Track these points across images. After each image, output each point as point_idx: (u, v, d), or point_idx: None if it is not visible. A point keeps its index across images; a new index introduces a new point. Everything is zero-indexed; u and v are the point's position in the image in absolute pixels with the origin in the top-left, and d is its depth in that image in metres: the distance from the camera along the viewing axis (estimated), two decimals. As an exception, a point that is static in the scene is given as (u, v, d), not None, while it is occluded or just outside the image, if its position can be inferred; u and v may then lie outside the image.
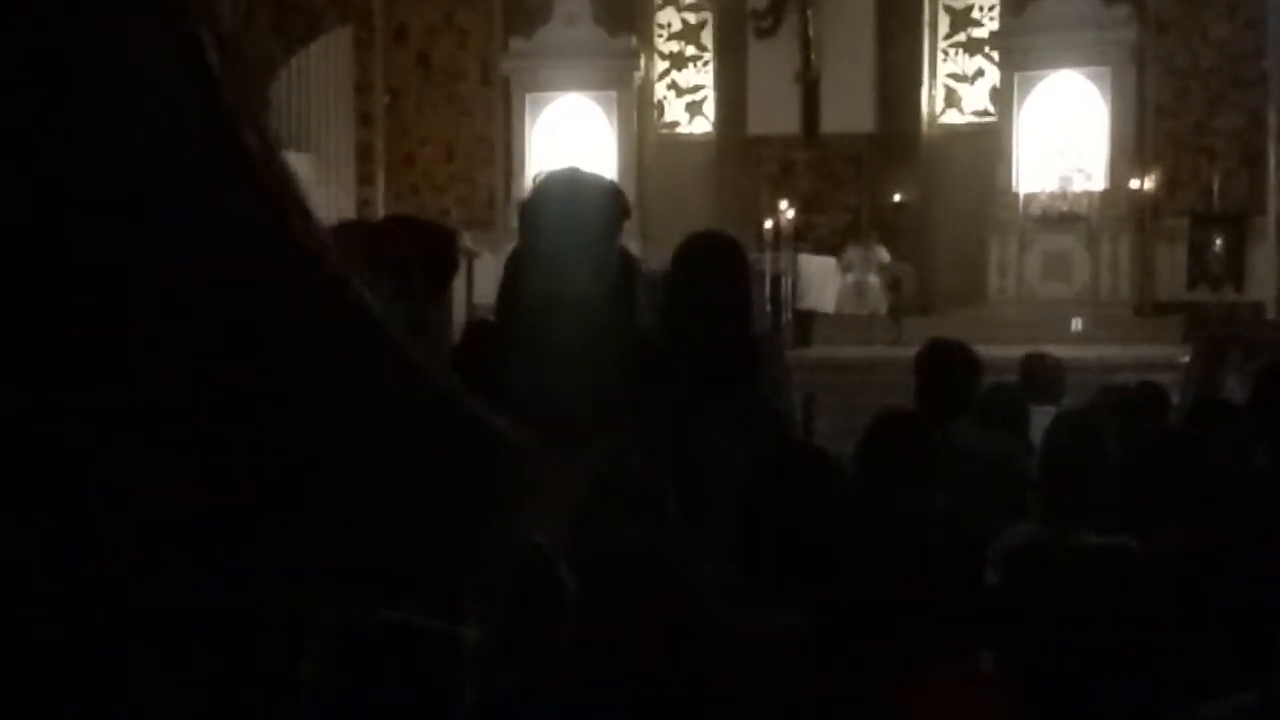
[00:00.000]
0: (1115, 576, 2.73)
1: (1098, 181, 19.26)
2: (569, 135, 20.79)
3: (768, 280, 15.24)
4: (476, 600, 0.59)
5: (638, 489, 2.98)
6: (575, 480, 2.89)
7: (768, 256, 15.93)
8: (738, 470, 3.26)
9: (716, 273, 3.77)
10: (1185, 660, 2.86)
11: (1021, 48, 19.43)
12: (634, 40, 20.88)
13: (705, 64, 21.39)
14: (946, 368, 5.23)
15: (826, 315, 18.25)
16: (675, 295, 3.77)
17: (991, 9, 20.35)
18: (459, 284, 15.24)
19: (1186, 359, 11.88)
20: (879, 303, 18.70)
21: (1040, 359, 7.46)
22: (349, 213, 18.86)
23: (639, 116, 21.08)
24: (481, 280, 16.20)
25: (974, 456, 4.76)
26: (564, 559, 0.79)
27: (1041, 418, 6.38)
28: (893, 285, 18.56)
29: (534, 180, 3.64)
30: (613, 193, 3.47)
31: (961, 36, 20.67)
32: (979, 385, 5.51)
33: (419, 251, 3.08)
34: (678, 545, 2.70)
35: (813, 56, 20.01)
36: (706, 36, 21.36)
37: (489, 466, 0.61)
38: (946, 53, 20.75)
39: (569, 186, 3.45)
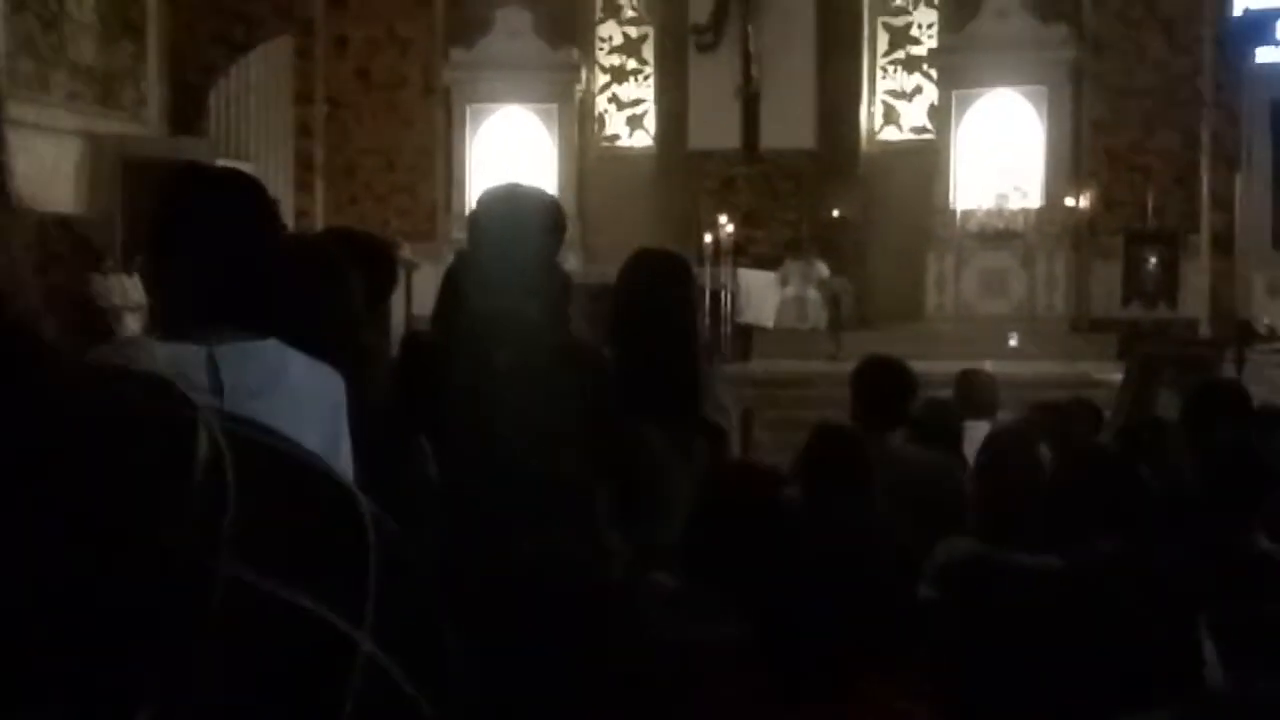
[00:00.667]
0: (1041, 593, 2.77)
1: (1034, 199, 19.45)
2: (510, 147, 20.78)
3: (708, 294, 15.29)
4: None
5: (573, 500, 2.99)
6: (512, 490, 2.90)
7: (708, 271, 15.97)
8: (676, 485, 3.28)
9: (664, 293, 3.79)
10: (1108, 676, 2.91)
11: (960, 66, 19.60)
12: (575, 53, 20.91)
13: (646, 78, 21.45)
14: (882, 383, 5.28)
15: (766, 330, 18.32)
16: (621, 311, 3.79)
17: (930, 27, 20.53)
18: (398, 296, 15.19)
19: (1120, 375, 12.02)
20: (818, 318, 18.79)
21: (975, 375, 7.53)
22: (289, 222, 18.78)
23: (580, 129, 21.10)
24: (421, 291, 16.16)
25: (909, 470, 4.80)
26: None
27: (976, 432, 6.44)
28: (832, 300, 18.65)
29: (478, 196, 3.66)
30: (551, 208, 3.49)
31: (900, 54, 20.83)
32: (914, 400, 5.55)
33: (357, 264, 3.08)
34: (611, 555, 2.72)
35: (753, 71, 20.10)
36: (648, 50, 21.41)
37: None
38: (885, 70, 20.91)
39: (508, 202, 3.47)
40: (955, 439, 5.91)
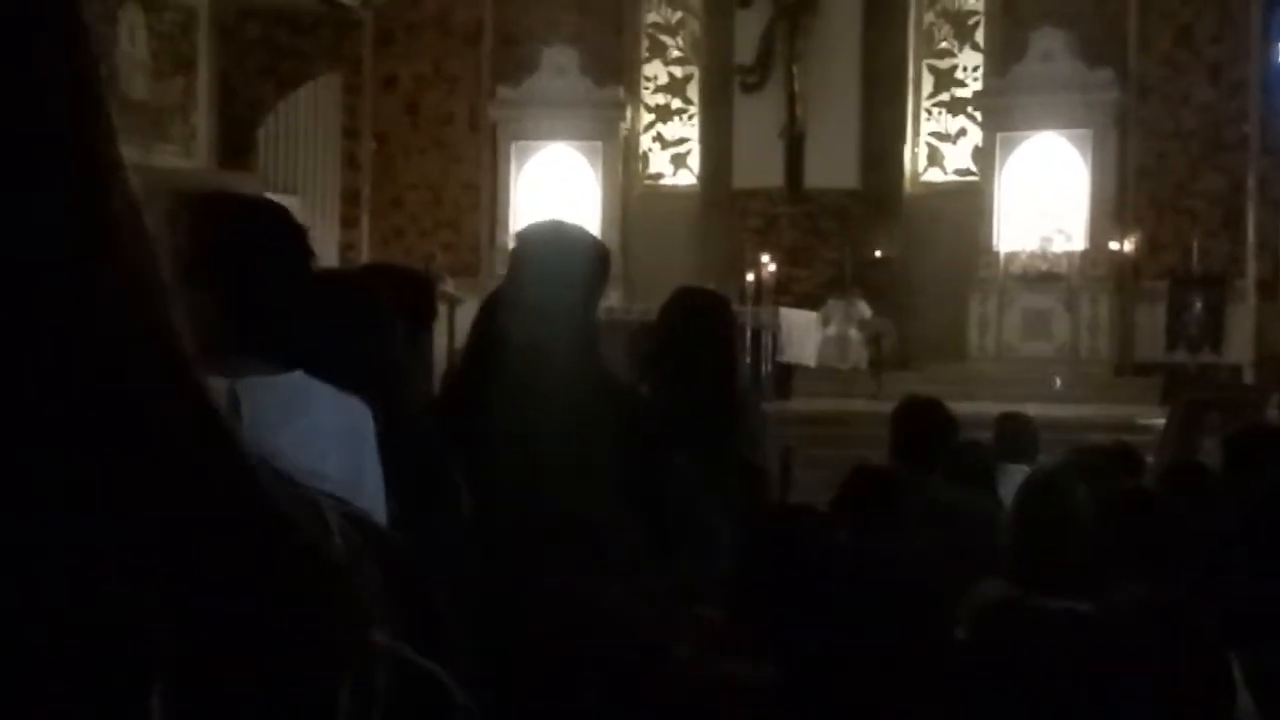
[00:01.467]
0: (1074, 639, 2.76)
1: (1078, 242, 19.38)
2: (554, 184, 20.88)
3: (749, 333, 15.30)
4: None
5: (607, 539, 3.00)
6: (548, 525, 2.91)
7: (750, 309, 15.98)
8: (712, 523, 3.28)
9: (704, 331, 3.80)
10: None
11: (1004, 108, 19.58)
12: (621, 92, 21.01)
13: (691, 117, 21.52)
14: (921, 424, 5.27)
15: (807, 368, 18.30)
16: (661, 349, 3.81)
17: (975, 70, 20.53)
18: (439, 330, 15.26)
19: (1163, 420, 11.94)
20: (860, 357, 18.76)
21: (1015, 417, 7.51)
22: (333, 255, 18.91)
23: (624, 167, 21.18)
24: (463, 326, 16.23)
25: (948, 511, 4.79)
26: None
27: (1016, 475, 6.42)
28: (873, 340, 18.62)
29: (519, 232, 3.68)
30: (595, 247, 3.51)
31: (945, 96, 20.83)
32: (953, 441, 5.54)
33: (394, 297, 3.11)
34: (645, 596, 2.73)
35: (798, 112, 20.14)
36: (693, 90, 21.49)
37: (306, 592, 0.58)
38: (930, 112, 20.91)
39: (552, 236, 3.49)
40: (990, 481, 5.89)
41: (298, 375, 2.50)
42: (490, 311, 3.47)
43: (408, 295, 3.32)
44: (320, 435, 2.41)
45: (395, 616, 0.60)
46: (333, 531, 0.61)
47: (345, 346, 2.75)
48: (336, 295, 2.95)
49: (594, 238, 3.76)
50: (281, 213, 2.75)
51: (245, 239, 2.53)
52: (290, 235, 2.66)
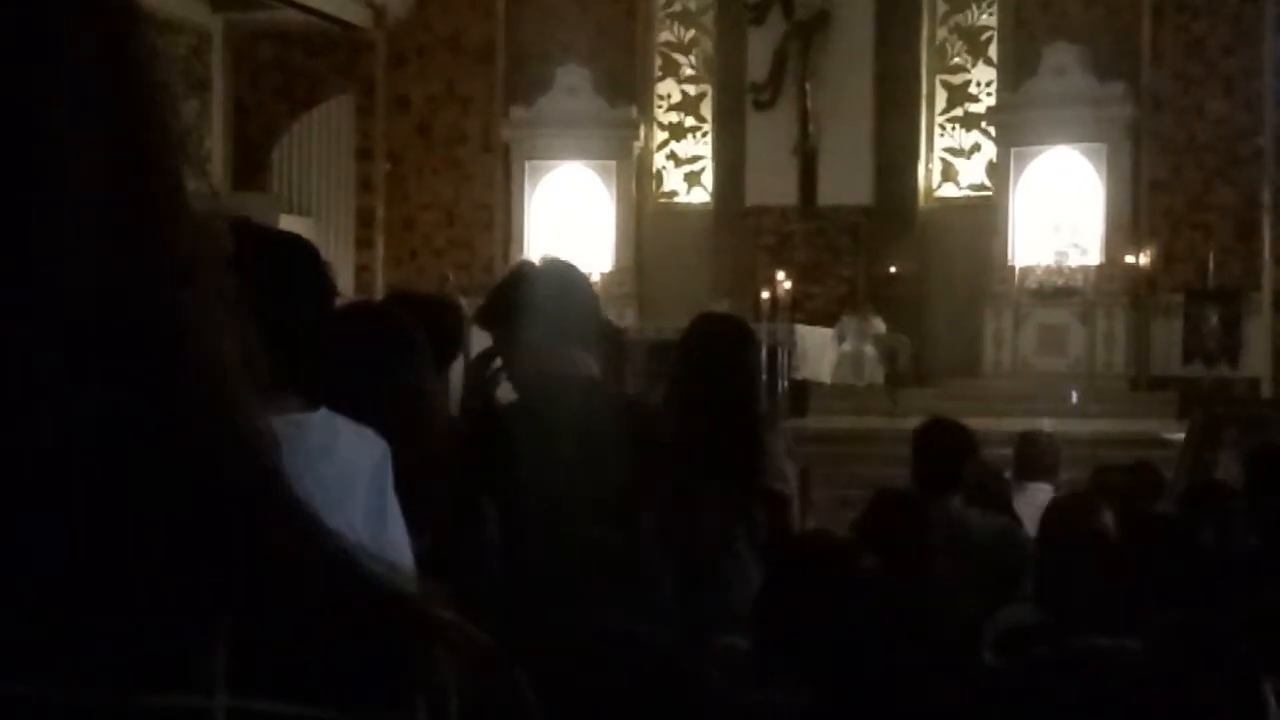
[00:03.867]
0: (1103, 666, 2.76)
1: (1093, 256, 19.36)
2: (568, 203, 20.92)
3: (764, 351, 15.30)
4: None
5: (635, 569, 3.01)
6: (575, 554, 2.92)
7: (764, 327, 15.99)
8: (736, 551, 3.29)
9: (725, 359, 3.80)
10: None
11: (1018, 123, 19.59)
12: (634, 111, 21.04)
13: (704, 135, 21.54)
14: (944, 446, 5.26)
15: (822, 385, 18.29)
16: (682, 377, 3.81)
17: (988, 85, 20.54)
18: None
19: (1181, 435, 11.92)
20: (875, 374, 18.75)
21: (1035, 436, 7.51)
22: (347, 276, 18.94)
23: (637, 186, 21.21)
24: (479, 346, 16.26)
25: (971, 535, 4.79)
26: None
27: (1037, 495, 6.42)
28: (889, 356, 18.61)
29: (519, 271, 3.69)
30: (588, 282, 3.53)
31: (959, 111, 20.84)
32: (973, 463, 5.54)
33: (423, 328, 3.11)
34: (674, 626, 2.73)
35: (811, 129, 20.15)
36: (706, 108, 21.52)
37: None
38: (943, 127, 20.92)
39: (558, 268, 3.50)
40: (1007, 502, 5.89)
41: (322, 414, 2.50)
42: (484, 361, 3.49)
43: (434, 325, 3.32)
44: (347, 476, 2.41)
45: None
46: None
47: (376, 381, 2.75)
48: (366, 328, 2.96)
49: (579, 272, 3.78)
50: (304, 247, 2.75)
51: (264, 275, 2.53)
52: (313, 270, 2.66)
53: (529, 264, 3.58)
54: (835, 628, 2.87)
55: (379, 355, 2.87)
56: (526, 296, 3.46)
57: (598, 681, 2.24)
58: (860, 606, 2.95)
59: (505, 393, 3.66)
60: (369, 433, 2.57)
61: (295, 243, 2.83)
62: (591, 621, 2.41)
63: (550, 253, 3.69)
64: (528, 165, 21.17)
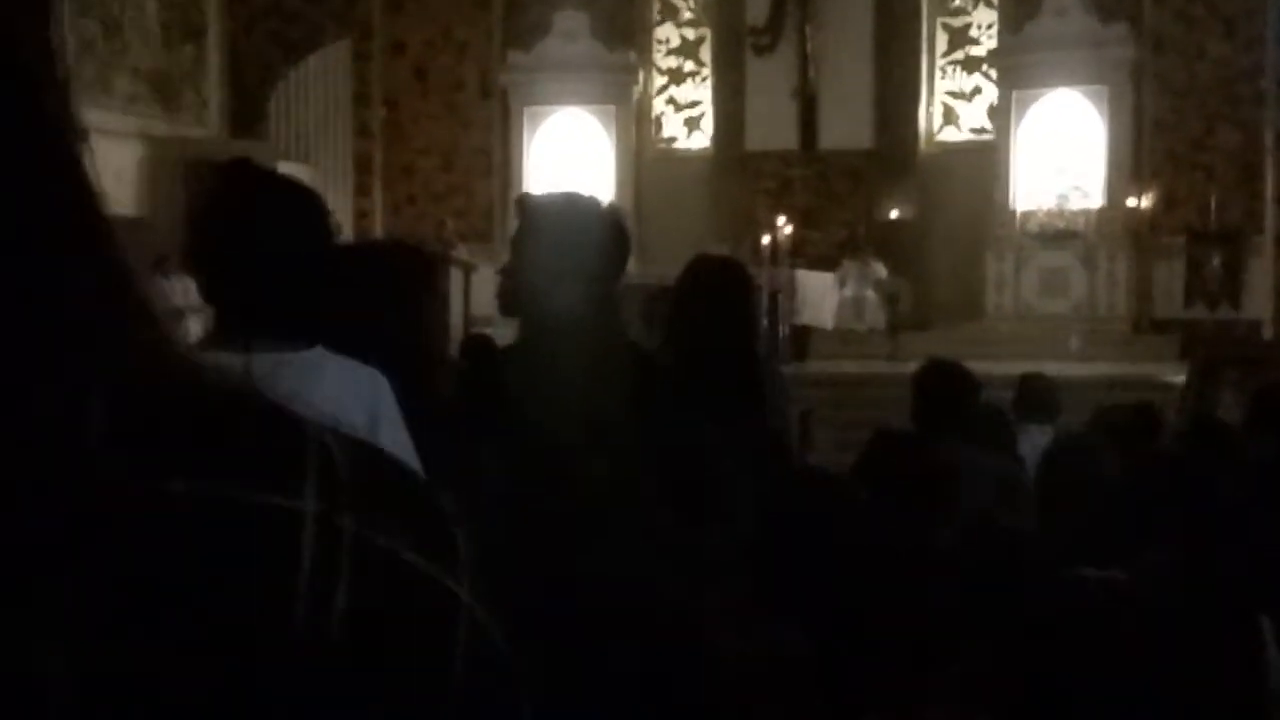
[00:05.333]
0: (1104, 604, 2.76)
1: (1095, 199, 19.31)
2: (567, 149, 20.84)
3: (765, 295, 15.27)
4: None
5: (635, 504, 3.00)
6: (573, 493, 2.91)
7: (765, 272, 15.96)
8: (737, 494, 3.27)
9: (722, 299, 3.78)
10: (1170, 684, 2.88)
11: (1019, 66, 19.48)
12: (632, 55, 20.93)
13: (703, 80, 21.44)
14: (943, 387, 5.25)
15: (824, 330, 18.27)
16: (679, 318, 3.78)
17: (989, 27, 20.42)
18: (455, 296, 15.23)
19: (1182, 378, 11.92)
20: (876, 318, 18.72)
21: (1035, 379, 7.49)
22: (346, 222, 18.89)
23: (637, 131, 21.13)
24: (479, 291, 16.24)
25: (976, 475, 4.78)
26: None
27: (1038, 437, 6.41)
28: (890, 301, 18.58)
29: (524, 201, 3.66)
30: (610, 215, 3.49)
31: (959, 54, 20.73)
32: (974, 404, 5.52)
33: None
34: (678, 570, 2.72)
35: (811, 73, 20.06)
36: (705, 52, 21.41)
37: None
38: (944, 70, 20.82)
39: (566, 205, 3.47)
40: (1011, 442, 5.88)
41: (315, 351, 2.49)
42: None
43: (402, 271, 3.29)
44: (334, 407, 2.39)
45: (397, 527, 0.59)
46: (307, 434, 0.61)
47: (375, 320, 2.74)
48: (360, 272, 2.94)
49: (608, 207, 3.72)
50: (302, 189, 2.73)
51: (261, 214, 2.51)
52: (310, 210, 2.64)
53: (529, 198, 3.55)
54: (832, 565, 2.87)
55: (379, 293, 2.85)
56: (521, 233, 3.43)
57: (596, 624, 2.23)
58: (858, 545, 2.95)
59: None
60: (362, 369, 2.55)
61: (295, 184, 2.81)
62: (589, 564, 2.40)
63: (558, 190, 3.63)
64: (526, 111, 21.07)
